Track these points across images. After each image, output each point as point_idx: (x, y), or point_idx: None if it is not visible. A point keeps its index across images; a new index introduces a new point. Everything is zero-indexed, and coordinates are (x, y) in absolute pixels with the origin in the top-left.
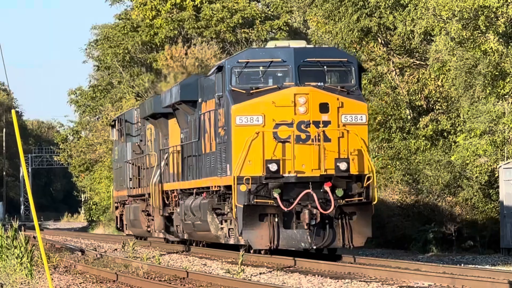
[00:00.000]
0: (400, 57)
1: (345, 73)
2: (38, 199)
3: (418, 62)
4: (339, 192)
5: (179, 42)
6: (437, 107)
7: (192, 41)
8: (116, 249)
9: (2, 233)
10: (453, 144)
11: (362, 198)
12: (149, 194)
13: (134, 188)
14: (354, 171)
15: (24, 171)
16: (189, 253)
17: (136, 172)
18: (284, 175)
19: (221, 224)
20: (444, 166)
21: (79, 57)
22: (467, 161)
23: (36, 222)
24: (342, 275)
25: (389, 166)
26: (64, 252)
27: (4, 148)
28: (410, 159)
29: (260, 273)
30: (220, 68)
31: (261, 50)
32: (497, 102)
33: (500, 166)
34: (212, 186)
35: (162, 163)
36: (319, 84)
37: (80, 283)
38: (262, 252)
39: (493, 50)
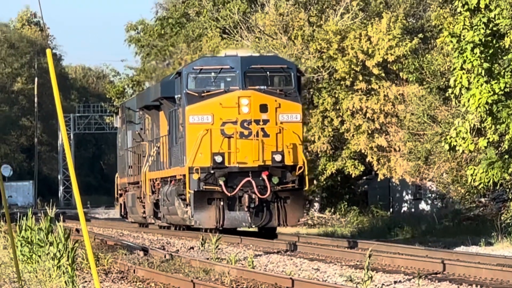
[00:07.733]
0: None
1: (285, 78)
2: (83, 177)
3: None
4: (275, 179)
5: None
6: None
7: None
8: (192, 248)
9: (32, 224)
10: None
11: (295, 185)
12: (142, 181)
13: (132, 175)
14: (288, 162)
15: (64, 136)
16: (294, 253)
17: (136, 160)
18: (228, 165)
19: (186, 207)
20: None
21: None
22: None
23: (80, 210)
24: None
25: None
26: (119, 252)
27: (36, 104)
28: None
29: (395, 282)
30: (179, 74)
31: (213, 59)
32: None
33: None
34: (177, 175)
35: (152, 152)
36: (260, 87)
37: None
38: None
39: None
